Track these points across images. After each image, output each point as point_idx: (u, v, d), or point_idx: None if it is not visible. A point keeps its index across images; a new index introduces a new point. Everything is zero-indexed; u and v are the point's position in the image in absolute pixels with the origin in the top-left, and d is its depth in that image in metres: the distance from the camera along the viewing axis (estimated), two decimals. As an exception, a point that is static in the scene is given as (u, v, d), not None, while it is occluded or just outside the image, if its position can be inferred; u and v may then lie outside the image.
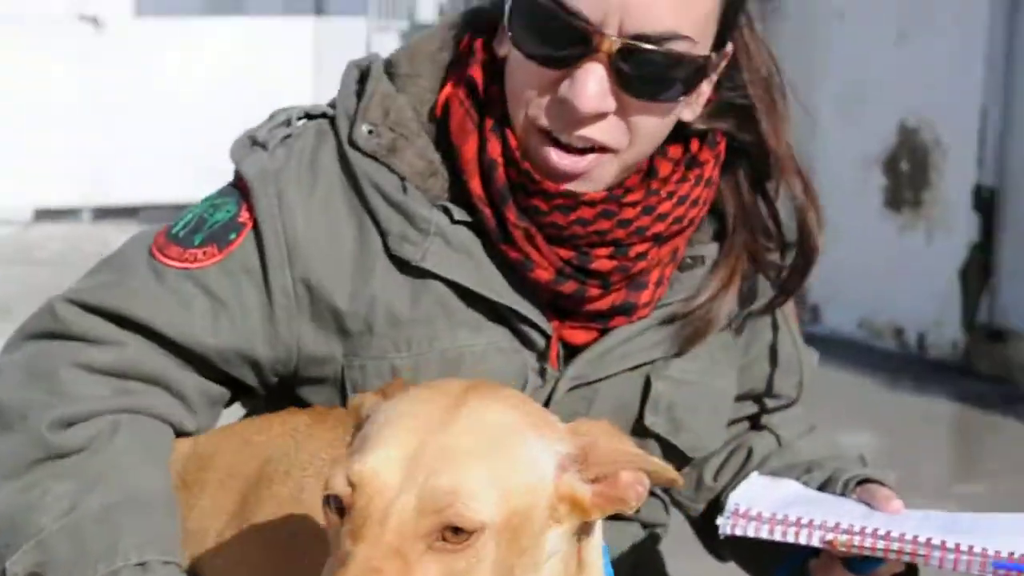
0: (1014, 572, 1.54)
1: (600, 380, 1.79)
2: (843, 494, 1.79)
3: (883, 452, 5.47)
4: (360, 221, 1.74)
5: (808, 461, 1.91)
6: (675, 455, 1.85)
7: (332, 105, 1.80)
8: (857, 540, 1.60)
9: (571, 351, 1.79)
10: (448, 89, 1.76)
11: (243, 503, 1.70)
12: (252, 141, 1.79)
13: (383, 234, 1.72)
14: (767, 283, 1.86)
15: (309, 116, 1.81)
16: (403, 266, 1.72)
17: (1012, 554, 1.54)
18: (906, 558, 1.59)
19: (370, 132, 1.73)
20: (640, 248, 1.73)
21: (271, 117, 1.82)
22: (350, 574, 1.16)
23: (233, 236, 1.73)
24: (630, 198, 1.71)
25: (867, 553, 1.61)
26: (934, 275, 7.22)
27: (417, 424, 1.24)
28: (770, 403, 1.97)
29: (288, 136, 1.78)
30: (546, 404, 1.76)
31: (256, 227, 1.73)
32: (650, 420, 1.83)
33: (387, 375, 1.73)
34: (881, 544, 1.59)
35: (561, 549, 1.30)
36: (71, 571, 1.59)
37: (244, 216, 1.74)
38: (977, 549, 1.56)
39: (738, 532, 1.67)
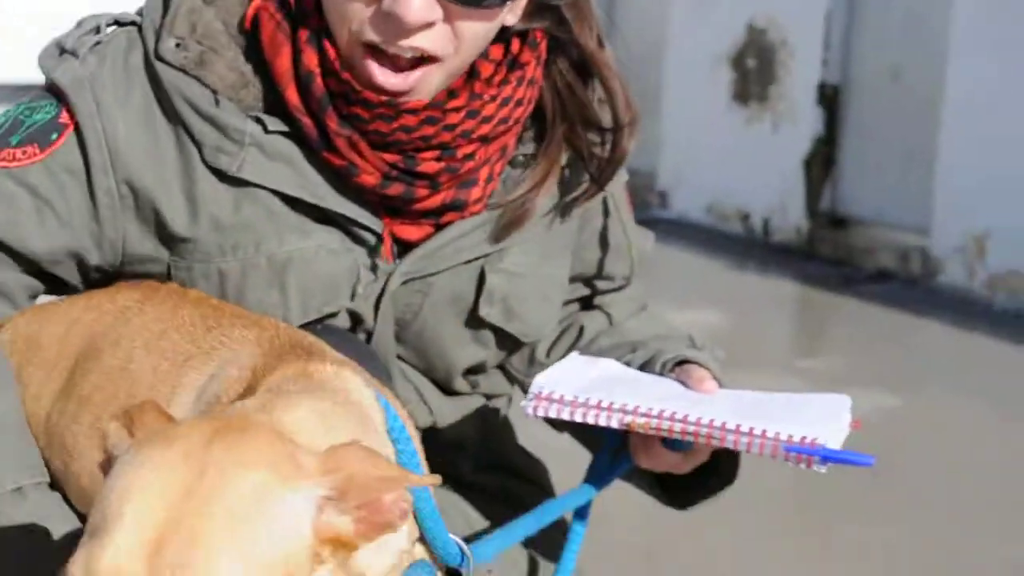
0: (804, 455, 1.55)
1: (434, 274, 1.81)
2: (661, 374, 1.82)
3: (729, 330, 5.62)
4: (176, 131, 1.71)
5: (634, 341, 1.95)
6: (508, 341, 1.90)
7: (140, 13, 1.76)
8: (654, 423, 1.62)
9: (405, 247, 1.79)
10: (257, 2, 1.72)
11: (70, 380, 1.63)
12: (60, 49, 1.74)
13: (198, 145, 1.70)
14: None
15: (119, 23, 1.76)
16: (222, 176, 1.70)
17: (804, 438, 1.56)
18: (702, 440, 1.60)
19: (177, 46, 1.69)
20: (467, 150, 1.74)
21: (79, 24, 1.76)
22: None
23: (55, 136, 1.69)
24: (453, 103, 1.70)
25: (664, 435, 1.63)
26: (779, 165, 7.44)
27: (156, 502, 1.09)
28: (601, 285, 2.01)
29: (98, 43, 1.72)
30: (379, 298, 1.78)
31: (77, 129, 1.69)
32: (484, 311, 1.85)
33: (214, 278, 1.72)
34: (678, 427, 1.60)
35: None
36: None
37: (64, 118, 1.70)
38: (770, 433, 1.57)
39: (540, 414, 1.67)
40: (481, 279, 1.84)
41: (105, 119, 1.69)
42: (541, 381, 1.68)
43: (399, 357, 1.86)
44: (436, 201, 1.76)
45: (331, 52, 1.67)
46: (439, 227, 1.80)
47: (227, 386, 1.44)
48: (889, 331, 5.77)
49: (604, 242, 1.97)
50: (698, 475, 1.81)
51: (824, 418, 1.66)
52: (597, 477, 1.83)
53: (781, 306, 6.28)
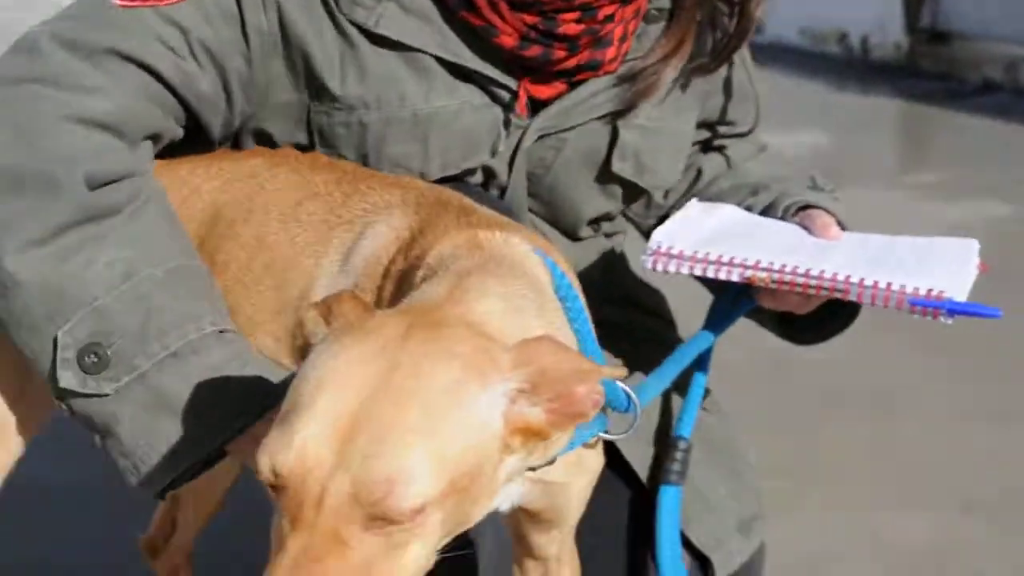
0: (930, 308, 1.55)
1: (568, 130, 1.81)
2: (783, 219, 1.82)
3: (833, 149, 5.58)
4: None
5: (755, 183, 1.95)
6: (636, 193, 1.92)
7: None
8: (776, 276, 1.61)
9: (538, 105, 1.79)
10: None
11: (201, 247, 1.61)
12: None
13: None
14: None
15: None
16: (363, 31, 1.69)
17: (930, 291, 1.55)
18: (824, 294, 1.60)
19: None
20: (608, 10, 1.73)
21: None
22: (287, 565, 1.07)
23: None
24: None
25: (786, 289, 1.62)
26: (876, -19, 7.28)
27: (348, 391, 1.10)
28: (723, 130, 2.01)
29: None
30: (513, 154, 1.78)
31: None
32: (617, 167, 1.86)
33: (354, 128, 1.72)
34: (800, 280, 1.60)
35: (520, 470, 1.23)
36: (140, 339, 1.48)
37: None
38: (895, 286, 1.56)
39: (659, 268, 1.66)
40: (614, 134, 1.85)
41: None
42: (660, 236, 1.67)
43: (529, 210, 1.88)
44: (572, 62, 1.76)
45: None
46: (572, 85, 1.80)
47: (385, 247, 1.45)
48: (998, 142, 5.69)
49: (729, 90, 1.97)
50: (820, 314, 1.79)
51: (949, 265, 1.64)
52: (719, 320, 1.82)
53: (884, 123, 6.21)
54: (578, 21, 1.71)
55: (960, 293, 1.56)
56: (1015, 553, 2.56)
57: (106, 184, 1.51)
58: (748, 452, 2.06)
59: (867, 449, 2.99)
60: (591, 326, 1.42)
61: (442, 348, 1.13)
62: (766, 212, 1.86)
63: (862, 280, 1.57)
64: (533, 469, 1.30)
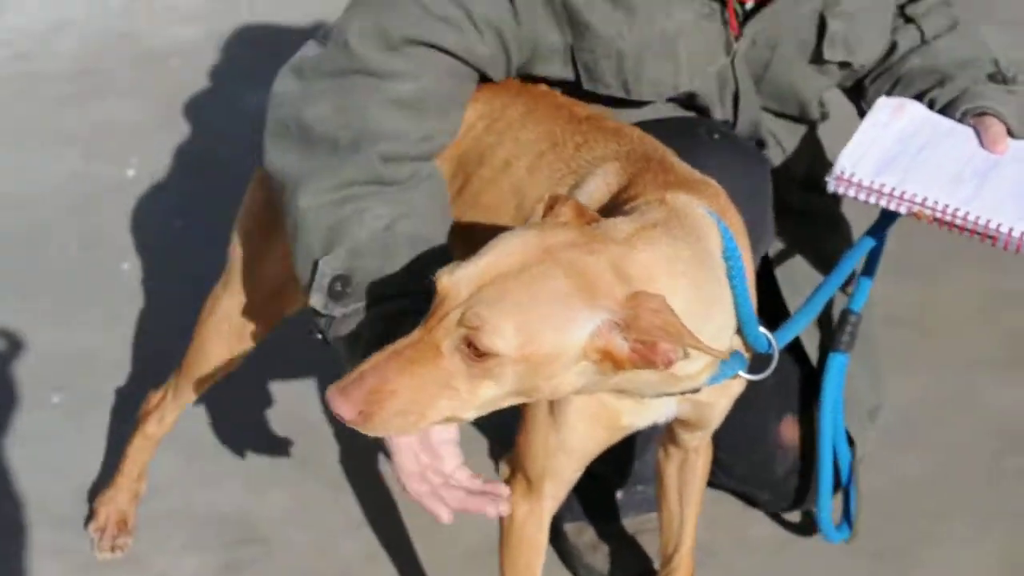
0: None
1: (778, 31, 2.05)
2: (961, 120, 2.02)
3: None
4: None
5: (943, 70, 2.13)
6: (851, 68, 2.15)
7: None
8: (938, 215, 1.88)
9: (749, 14, 2.05)
10: None
11: (460, 172, 1.98)
12: None
13: None
14: None
15: None
16: None
17: None
18: (976, 238, 1.87)
19: None
20: None
21: None
22: (392, 349, 1.48)
23: None
24: None
25: (945, 228, 1.89)
26: None
27: (503, 263, 1.47)
28: None
29: None
30: (733, 60, 2.06)
31: None
32: (828, 54, 2.10)
33: (613, 58, 1.99)
34: (959, 222, 1.86)
35: (596, 383, 1.54)
36: (375, 281, 1.81)
37: None
38: None
39: (840, 192, 1.93)
40: (822, 25, 2.08)
41: None
42: (844, 161, 1.92)
43: (764, 108, 2.15)
44: None
45: None
46: None
47: (598, 197, 1.76)
48: None
49: None
50: None
51: None
52: (882, 226, 2.07)
53: None
54: None
55: None
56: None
57: (395, 161, 1.86)
58: (879, 342, 2.32)
59: (981, 305, 3.14)
60: (750, 287, 1.70)
61: (579, 266, 1.47)
62: (946, 109, 2.08)
63: (1010, 231, 1.85)
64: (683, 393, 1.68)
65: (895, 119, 2.01)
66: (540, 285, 1.46)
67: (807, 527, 2.52)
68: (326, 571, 2.48)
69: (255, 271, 2.20)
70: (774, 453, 2.40)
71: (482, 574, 2.42)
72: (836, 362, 2.23)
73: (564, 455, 1.84)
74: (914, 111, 2.03)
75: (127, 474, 2.48)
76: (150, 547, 2.51)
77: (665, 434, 2.07)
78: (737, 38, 2.06)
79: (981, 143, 1.98)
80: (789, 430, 2.39)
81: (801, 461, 2.41)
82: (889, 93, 2.15)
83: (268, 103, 1.96)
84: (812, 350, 2.34)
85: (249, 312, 2.23)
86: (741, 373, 1.73)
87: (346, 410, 1.47)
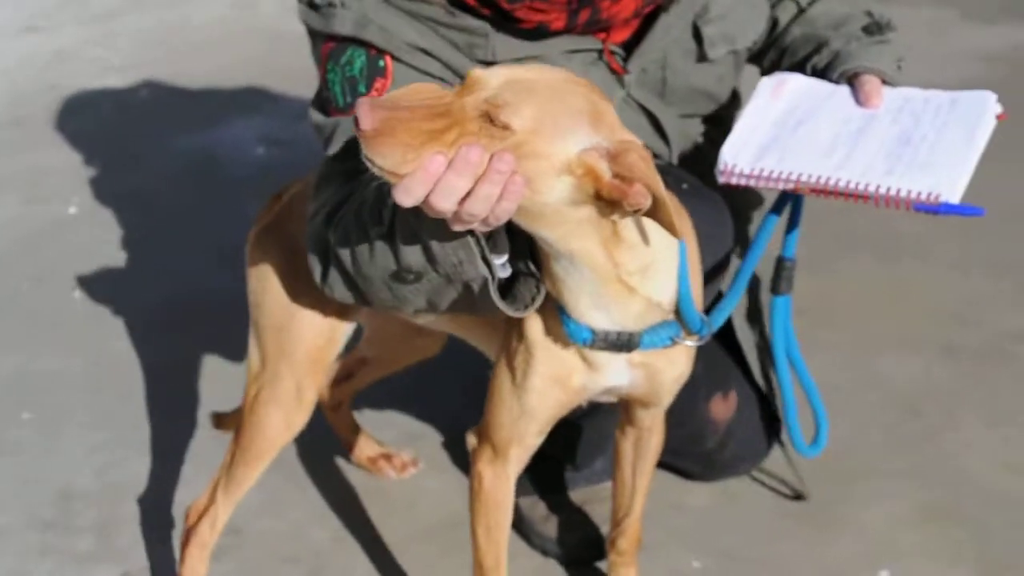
0: (929, 210, 1.99)
1: (661, 52, 2.24)
2: (838, 82, 2.22)
3: None
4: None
5: (819, 34, 2.33)
6: (736, 58, 2.37)
7: None
8: (814, 186, 2.04)
9: (626, 47, 2.22)
10: None
11: None
12: (311, 5, 2.12)
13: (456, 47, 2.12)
14: None
15: None
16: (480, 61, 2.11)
17: (930, 195, 1.99)
18: (851, 200, 2.04)
19: None
20: None
21: None
22: (434, 98, 1.67)
23: (382, 63, 2.08)
24: None
25: (822, 196, 2.07)
26: None
27: (534, 74, 1.71)
28: None
29: None
30: (629, 91, 2.24)
31: (388, 52, 2.08)
32: (711, 53, 2.31)
33: None
34: (831, 188, 2.03)
35: (572, 195, 1.71)
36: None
37: (373, 51, 2.08)
38: (903, 193, 1.99)
39: (730, 183, 2.11)
40: (698, 32, 2.29)
41: (397, 34, 2.08)
42: (726, 155, 2.11)
43: (682, 116, 2.35)
44: (628, 7, 2.16)
45: None
46: (646, 16, 2.22)
47: None
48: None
49: None
50: None
51: (966, 145, 2.05)
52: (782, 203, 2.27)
53: None
54: None
55: (956, 194, 1.99)
56: (984, 396, 3.04)
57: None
58: None
59: (875, 292, 3.44)
60: (693, 279, 1.95)
61: (597, 103, 1.73)
62: (825, 73, 2.27)
63: (878, 188, 2.01)
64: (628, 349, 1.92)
65: (775, 99, 2.18)
66: (562, 96, 1.69)
67: (737, 494, 2.76)
68: (298, 554, 2.65)
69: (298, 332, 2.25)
70: (704, 428, 2.63)
71: (441, 547, 2.64)
72: (780, 303, 2.44)
73: (526, 420, 2.04)
74: (794, 84, 2.22)
75: None
76: (132, 540, 2.67)
77: (622, 415, 2.26)
78: (624, 74, 2.24)
79: (857, 101, 2.17)
80: (718, 407, 2.63)
81: (727, 434, 2.66)
82: (778, 65, 2.37)
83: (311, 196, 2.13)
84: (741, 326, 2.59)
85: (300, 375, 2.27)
86: (677, 339, 1.95)
87: (366, 121, 1.62)
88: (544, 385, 2.01)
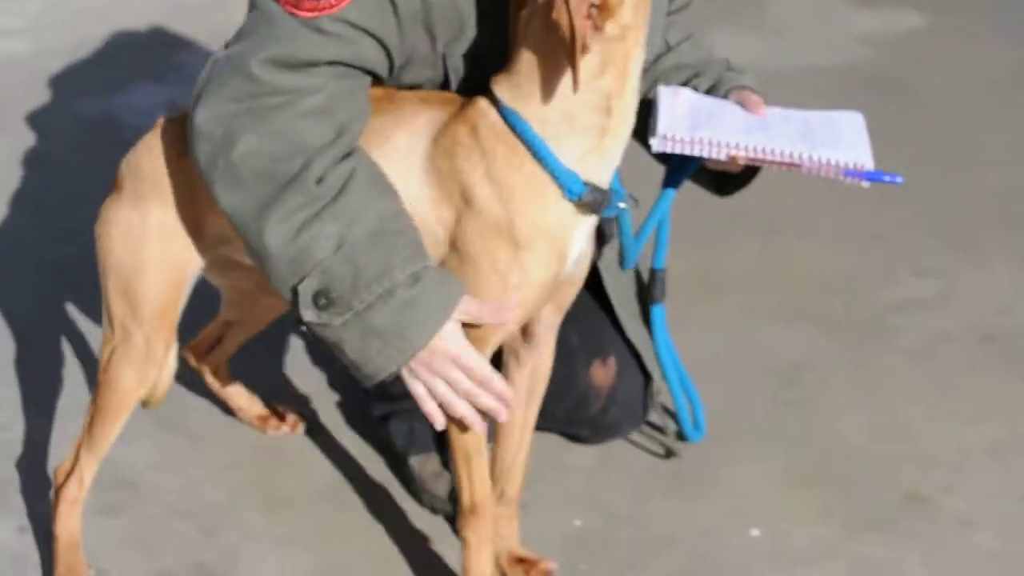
0: (856, 177, 2.19)
1: None
2: (725, 97, 2.38)
3: None
4: None
5: (693, 65, 2.51)
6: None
7: None
8: (752, 155, 2.19)
9: None
10: None
11: None
12: None
13: None
14: None
15: None
16: None
17: (856, 164, 2.19)
18: (784, 168, 2.22)
19: None
20: None
21: None
22: None
23: None
24: None
25: (756, 164, 2.24)
26: None
27: None
28: (671, 6, 2.54)
29: None
30: None
31: None
32: None
33: (491, 62, 2.18)
34: (768, 157, 2.19)
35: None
36: (352, 288, 2.06)
37: None
38: (833, 161, 2.18)
39: (667, 150, 2.22)
40: None
41: None
42: (662, 127, 2.23)
43: None
44: None
45: None
46: None
47: None
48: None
49: None
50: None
51: (856, 136, 2.26)
52: (674, 178, 2.47)
53: None
54: None
55: (871, 163, 2.20)
56: (859, 366, 3.19)
57: (327, 174, 2.08)
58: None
59: (757, 266, 3.58)
60: None
61: None
62: (710, 91, 2.43)
63: (810, 156, 2.19)
64: None
65: (677, 99, 2.33)
66: None
67: (618, 456, 2.88)
68: (192, 510, 2.73)
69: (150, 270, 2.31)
70: (587, 394, 2.75)
71: (337, 504, 2.74)
72: (657, 311, 2.69)
73: (524, 292, 2.16)
74: (687, 93, 2.36)
75: (65, 551, 2.46)
76: (34, 496, 2.73)
77: (519, 339, 2.39)
78: None
79: (747, 110, 2.33)
80: (598, 373, 2.74)
81: (610, 398, 2.78)
82: (648, 91, 2.45)
83: (192, 138, 2.14)
84: (619, 306, 2.72)
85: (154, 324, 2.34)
86: (621, 204, 2.20)
87: None
88: (547, 252, 2.15)
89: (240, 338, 2.84)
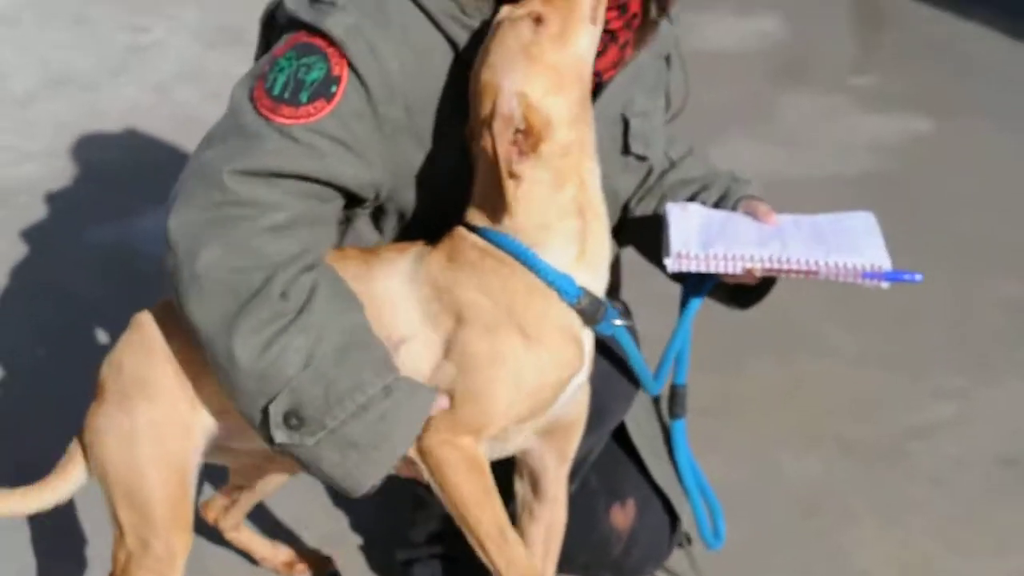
0: (875, 279, 2.17)
1: (599, 128, 2.30)
2: (734, 208, 2.39)
3: (786, 38, 5.92)
4: (436, 39, 2.19)
5: (699, 179, 2.52)
6: (645, 167, 2.50)
7: None
8: (767, 265, 2.18)
9: None
10: None
11: None
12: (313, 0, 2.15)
13: (455, 47, 2.20)
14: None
15: None
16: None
17: (873, 265, 2.17)
18: (802, 276, 2.20)
19: None
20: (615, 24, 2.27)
21: None
22: None
23: (334, 88, 2.10)
24: None
25: (773, 275, 2.23)
26: None
27: None
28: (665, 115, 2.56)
29: None
30: None
31: (357, 76, 2.11)
32: (633, 146, 2.43)
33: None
34: (785, 267, 2.18)
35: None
36: (325, 406, 2.04)
37: (336, 70, 2.10)
38: (850, 265, 2.17)
39: (682, 269, 2.20)
40: (626, 124, 2.41)
41: (381, 61, 2.14)
42: (676, 244, 2.22)
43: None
44: None
45: None
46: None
47: None
48: (944, 38, 5.84)
49: (669, 62, 2.52)
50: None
51: (869, 238, 2.24)
52: (693, 296, 2.44)
53: (837, 10, 6.28)
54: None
55: (888, 263, 2.18)
56: (880, 493, 3.16)
57: (290, 289, 2.06)
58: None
59: (774, 389, 3.57)
60: None
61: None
62: (718, 204, 2.44)
63: (826, 262, 2.17)
64: None
65: (686, 215, 2.32)
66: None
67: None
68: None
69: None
70: (608, 538, 2.72)
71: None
72: (678, 426, 2.65)
73: (522, 398, 2.14)
74: (695, 208, 2.36)
75: None
76: None
77: (527, 495, 2.37)
78: None
79: (757, 220, 2.32)
80: (617, 516, 2.72)
81: (631, 540, 2.75)
82: (656, 208, 2.49)
83: (163, 246, 2.11)
84: (635, 431, 2.71)
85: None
86: (615, 321, 2.21)
87: None
88: (560, 344, 2.14)
89: (255, 498, 2.83)
